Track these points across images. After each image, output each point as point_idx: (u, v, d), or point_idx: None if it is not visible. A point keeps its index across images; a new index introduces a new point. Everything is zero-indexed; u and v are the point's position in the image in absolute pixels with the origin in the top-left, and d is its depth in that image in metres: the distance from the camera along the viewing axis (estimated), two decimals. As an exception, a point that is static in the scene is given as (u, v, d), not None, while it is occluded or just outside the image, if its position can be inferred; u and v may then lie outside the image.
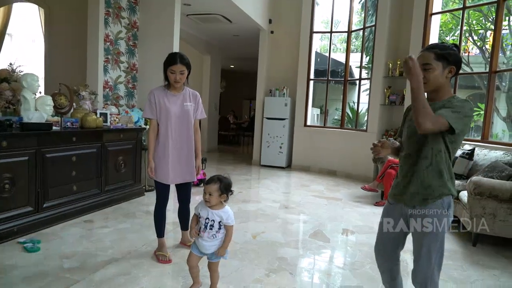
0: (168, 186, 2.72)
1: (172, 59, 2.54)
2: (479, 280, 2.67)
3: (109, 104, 4.71)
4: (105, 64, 4.64)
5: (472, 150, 4.34)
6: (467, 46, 10.36)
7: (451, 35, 10.70)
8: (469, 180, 3.42)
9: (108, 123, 4.19)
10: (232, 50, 10.04)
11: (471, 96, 11.57)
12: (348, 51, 7.12)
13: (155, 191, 2.79)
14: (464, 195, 3.55)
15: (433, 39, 5.66)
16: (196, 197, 4.64)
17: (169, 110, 2.61)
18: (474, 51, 10.70)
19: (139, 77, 5.24)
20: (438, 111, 1.57)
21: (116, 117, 4.37)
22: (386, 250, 1.88)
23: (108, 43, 4.66)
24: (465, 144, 4.67)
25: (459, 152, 4.42)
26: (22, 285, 2.25)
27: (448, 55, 1.63)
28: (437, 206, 1.65)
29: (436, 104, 1.66)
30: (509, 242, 3.30)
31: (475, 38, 10.67)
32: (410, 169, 1.73)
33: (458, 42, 5.55)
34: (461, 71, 5.60)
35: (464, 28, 7.53)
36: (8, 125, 2.93)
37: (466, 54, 10.57)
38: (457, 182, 3.98)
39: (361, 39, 7.59)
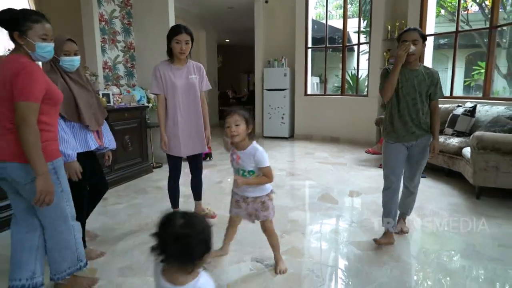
0: (180, 158, 2.79)
1: (177, 29, 2.57)
2: (484, 228, 2.78)
3: (110, 84, 4.72)
4: (103, 44, 4.61)
5: (474, 107, 4.37)
6: (466, 3, 10.16)
7: (449, -8, 10.47)
8: (472, 135, 3.49)
9: (112, 103, 4.23)
10: (227, 24, 9.88)
11: (470, 55, 11.46)
12: (345, 16, 7.02)
13: (167, 165, 2.86)
14: (467, 151, 3.62)
15: (432, -3, 5.58)
16: (205, 170, 4.73)
17: (175, 84, 2.64)
18: (473, 8, 10.51)
19: (137, 56, 5.21)
20: (436, 95, 2.46)
21: (119, 97, 4.40)
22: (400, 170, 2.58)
23: (104, 23, 4.61)
24: (467, 101, 4.70)
25: (460, 110, 4.46)
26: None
27: (423, 34, 2.41)
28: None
29: (418, 72, 2.43)
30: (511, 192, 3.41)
31: (474, -6, 10.46)
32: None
33: (457, 0, 5.47)
34: (460, 29, 5.57)
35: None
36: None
37: (465, 12, 10.39)
38: (459, 139, 4.06)
39: (358, 3, 7.45)
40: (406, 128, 2.44)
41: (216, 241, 2.53)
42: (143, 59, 5.14)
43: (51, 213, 1.78)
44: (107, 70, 4.72)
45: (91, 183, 2.38)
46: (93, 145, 2.25)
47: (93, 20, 4.38)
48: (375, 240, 2.55)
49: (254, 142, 2.00)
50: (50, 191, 1.65)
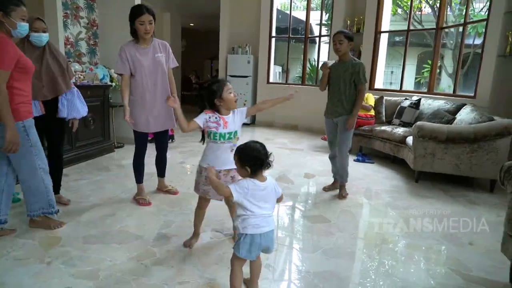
0: (147, 135, 2.89)
1: (139, 10, 2.58)
2: (419, 206, 3.16)
3: (72, 61, 4.63)
4: (65, 19, 4.50)
5: (419, 101, 4.81)
6: (420, 4, 10.81)
7: (405, -7, 11.05)
8: (413, 125, 3.87)
9: (74, 80, 4.16)
10: (192, 7, 9.80)
11: (422, 54, 12.23)
12: (308, 8, 7.27)
13: (128, 145, 2.97)
14: (410, 139, 4.01)
15: (388, -4, 5.96)
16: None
17: (142, 64, 2.69)
18: (427, 9, 11.19)
19: (100, 34, 5.12)
20: (359, 80, 3.09)
21: (81, 74, 4.34)
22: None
23: (66, -3, 4.50)
24: (413, 95, 5.14)
25: (407, 103, 4.89)
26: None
27: (349, 35, 3.09)
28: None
29: (346, 64, 3.11)
30: (444, 176, 3.84)
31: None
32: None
33: (410, 0, 5.89)
34: (412, 28, 6.02)
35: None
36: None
37: (419, 13, 11.05)
38: (404, 129, 4.47)
39: (321, -3, 7.74)
40: (333, 107, 3.26)
41: (178, 215, 2.68)
42: (106, 37, 5.06)
43: (22, 163, 2.13)
44: (68, 46, 4.62)
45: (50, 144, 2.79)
46: (35, 112, 2.48)
47: (54, -8, 4.26)
48: (324, 188, 3.52)
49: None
50: (16, 142, 2.01)
